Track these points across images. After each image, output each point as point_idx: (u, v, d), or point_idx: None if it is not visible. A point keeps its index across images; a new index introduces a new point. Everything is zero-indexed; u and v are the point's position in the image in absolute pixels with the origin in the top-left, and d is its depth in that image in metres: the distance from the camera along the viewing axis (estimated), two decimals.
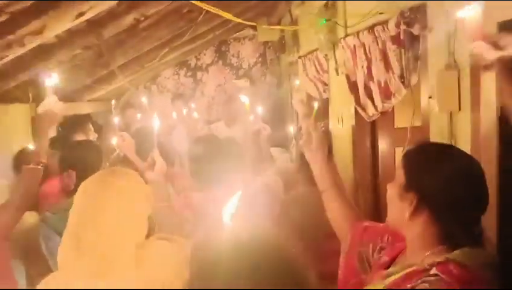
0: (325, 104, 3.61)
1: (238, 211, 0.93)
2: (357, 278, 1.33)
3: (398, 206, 1.16)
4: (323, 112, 3.61)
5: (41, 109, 1.71)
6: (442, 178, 1.08)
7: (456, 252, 1.04)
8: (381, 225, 1.37)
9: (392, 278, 1.12)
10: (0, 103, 2.83)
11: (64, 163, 1.97)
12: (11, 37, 2.07)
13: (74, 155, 2.04)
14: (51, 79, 1.74)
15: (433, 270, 1.02)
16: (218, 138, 2.32)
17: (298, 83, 4.12)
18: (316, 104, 1.77)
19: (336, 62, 3.19)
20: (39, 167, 1.69)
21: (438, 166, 1.10)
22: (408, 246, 1.18)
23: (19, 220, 1.74)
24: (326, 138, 1.61)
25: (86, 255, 1.15)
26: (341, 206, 1.51)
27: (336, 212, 1.52)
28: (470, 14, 1.15)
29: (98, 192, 1.22)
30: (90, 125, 3.33)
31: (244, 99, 2.80)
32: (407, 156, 1.18)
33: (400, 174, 1.16)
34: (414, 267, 1.08)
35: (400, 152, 2.66)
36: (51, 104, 1.71)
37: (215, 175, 2.06)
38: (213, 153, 2.07)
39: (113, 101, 3.36)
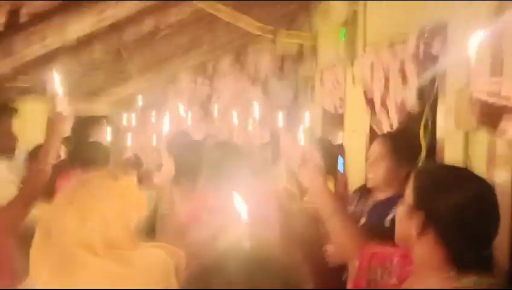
0: (340, 119, 3.59)
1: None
2: None
3: (405, 225, 1.14)
4: (337, 127, 3.60)
5: (52, 112, 1.72)
6: (450, 199, 1.06)
7: (464, 281, 1.02)
8: (390, 248, 1.33)
9: None
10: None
11: (72, 161, 2.04)
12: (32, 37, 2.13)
13: (82, 154, 2.09)
14: (59, 80, 1.74)
15: None
16: (235, 144, 2.31)
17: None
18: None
19: (353, 77, 3.18)
20: (47, 167, 1.71)
21: (448, 187, 1.08)
22: (415, 268, 1.16)
23: (26, 217, 1.74)
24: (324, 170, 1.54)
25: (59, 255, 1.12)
26: (346, 233, 1.46)
27: (340, 240, 1.48)
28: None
29: (81, 194, 1.19)
30: (105, 127, 3.36)
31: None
32: (418, 175, 1.16)
33: (409, 193, 1.15)
34: None
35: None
36: (61, 107, 1.71)
37: (228, 180, 2.04)
38: (228, 159, 2.06)
39: (140, 97, 3.34)
